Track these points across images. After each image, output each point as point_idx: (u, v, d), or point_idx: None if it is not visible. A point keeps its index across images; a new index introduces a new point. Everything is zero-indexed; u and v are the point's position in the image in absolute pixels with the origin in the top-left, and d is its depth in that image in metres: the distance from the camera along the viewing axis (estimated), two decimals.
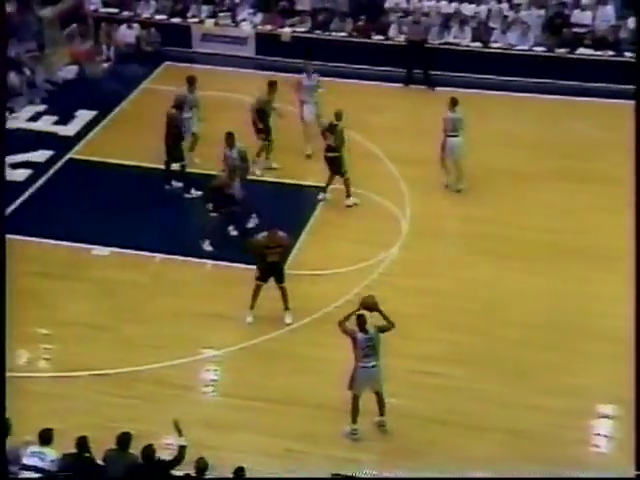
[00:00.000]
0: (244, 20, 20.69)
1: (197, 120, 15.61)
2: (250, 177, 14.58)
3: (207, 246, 13.53)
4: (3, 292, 9.23)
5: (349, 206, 14.69)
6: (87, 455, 8.72)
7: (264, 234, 12.00)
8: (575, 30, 19.29)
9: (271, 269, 11.98)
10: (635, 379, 9.20)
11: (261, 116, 15.39)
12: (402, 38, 19.43)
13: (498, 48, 19.43)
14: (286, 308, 12.09)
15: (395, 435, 10.36)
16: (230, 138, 14.08)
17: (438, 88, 18.48)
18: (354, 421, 10.27)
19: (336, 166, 14.61)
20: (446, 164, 14.95)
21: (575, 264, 13.19)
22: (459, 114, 14.82)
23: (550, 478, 9.64)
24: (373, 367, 10.08)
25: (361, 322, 10.09)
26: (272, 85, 15.55)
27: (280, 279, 12.05)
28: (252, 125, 15.46)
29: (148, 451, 8.60)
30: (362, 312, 10.17)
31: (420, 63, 18.87)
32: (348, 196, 14.69)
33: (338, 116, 14.59)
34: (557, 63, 18.96)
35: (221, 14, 20.82)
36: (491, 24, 19.84)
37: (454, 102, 14.82)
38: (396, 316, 11.85)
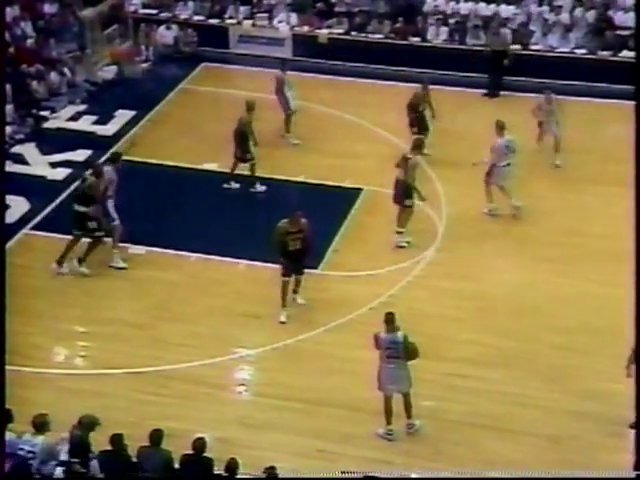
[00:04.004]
0: (281, 21, 20.75)
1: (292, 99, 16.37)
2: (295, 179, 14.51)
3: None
4: (3, 292, 9.26)
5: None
6: (123, 452, 8.76)
7: (285, 220, 11.90)
8: (618, 32, 19.06)
9: (293, 259, 11.92)
10: (635, 378, 9.20)
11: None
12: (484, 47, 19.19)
13: (538, 50, 19.26)
14: (294, 296, 12.19)
15: (428, 437, 10.29)
16: None
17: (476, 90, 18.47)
18: (388, 422, 10.23)
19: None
20: (491, 190, 14.37)
21: (615, 269, 12.94)
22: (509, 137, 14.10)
23: (549, 478, 9.53)
24: (395, 369, 10.02)
25: (388, 320, 10.03)
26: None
27: (299, 270, 12.01)
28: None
29: (199, 444, 8.67)
30: (390, 311, 10.13)
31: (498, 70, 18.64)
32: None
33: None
34: (600, 66, 18.74)
35: (258, 15, 20.91)
36: (531, 27, 19.68)
37: (501, 126, 14.07)
38: (431, 318, 11.87)
